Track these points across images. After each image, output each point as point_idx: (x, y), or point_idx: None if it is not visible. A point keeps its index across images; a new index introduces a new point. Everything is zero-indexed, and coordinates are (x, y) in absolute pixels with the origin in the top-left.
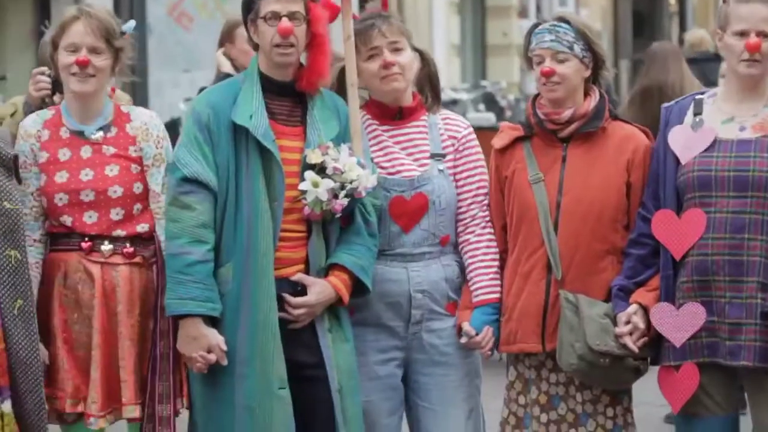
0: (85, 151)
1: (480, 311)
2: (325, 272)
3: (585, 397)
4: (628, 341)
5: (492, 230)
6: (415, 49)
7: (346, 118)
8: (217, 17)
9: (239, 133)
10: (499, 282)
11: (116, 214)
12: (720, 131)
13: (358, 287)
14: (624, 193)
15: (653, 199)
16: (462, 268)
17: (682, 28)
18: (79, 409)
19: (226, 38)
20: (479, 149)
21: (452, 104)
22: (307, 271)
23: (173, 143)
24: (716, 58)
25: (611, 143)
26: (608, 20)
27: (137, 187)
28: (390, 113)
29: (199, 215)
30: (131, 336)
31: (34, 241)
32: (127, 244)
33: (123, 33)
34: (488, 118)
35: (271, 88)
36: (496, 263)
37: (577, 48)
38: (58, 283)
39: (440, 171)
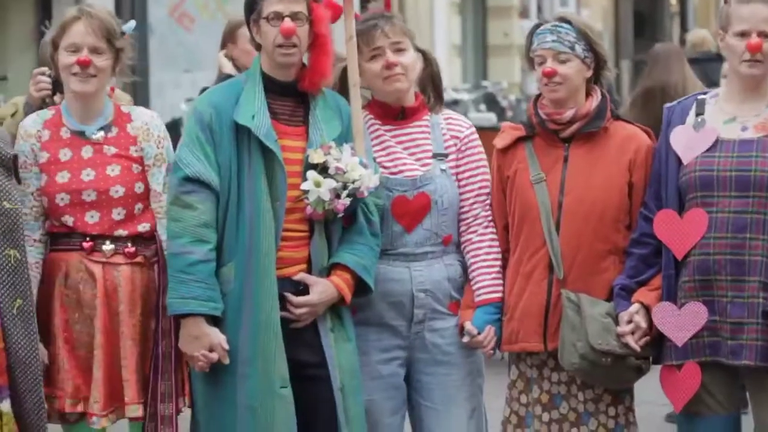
0: (86, 151)
1: (482, 311)
2: (327, 272)
3: (587, 396)
4: (630, 340)
5: (494, 230)
6: (418, 50)
7: (348, 118)
8: (218, 18)
9: (241, 133)
10: (501, 281)
11: (118, 213)
12: (722, 131)
13: (360, 287)
14: (626, 193)
15: (655, 199)
16: (464, 268)
17: (683, 28)
18: (79, 408)
19: (228, 38)
20: (482, 149)
21: (453, 104)
22: (309, 271)
23: (174, 143)
24: (718, 58)
25: (613, 143)
26: (609, 20)
27: (138, 187)
28: (392, 113)
29: (201, 215)
30: (133, 335)
31: (34, 241)
32: (129, 244)
33: (123, 33)
34: (489, 118)
35: (273, 88)
36: (499, 263)
37: (579, 48)
38: (59, 283)
39: (443, 171)
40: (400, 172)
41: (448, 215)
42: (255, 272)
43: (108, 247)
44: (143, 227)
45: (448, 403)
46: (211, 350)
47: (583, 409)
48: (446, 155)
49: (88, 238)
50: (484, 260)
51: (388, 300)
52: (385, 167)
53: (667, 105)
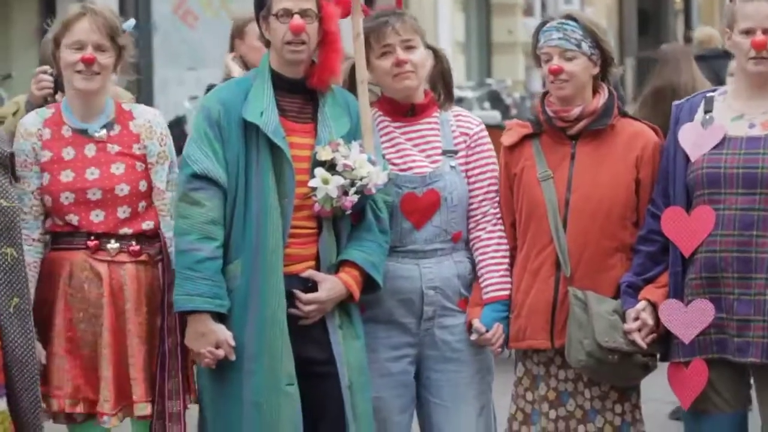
0: (89, 150)
1: (490, 308)
2: (335, 269)
3: (593, 394)
4: (637, 338)
5: (503, 227)
6: (429, 47)
7: (357, 115)
8: (222, 16)
9: (250, 129)
10: (509, 279)
11: (123, 212)
12: (729, 128)
13: (368, 284)
14: (633, 190)
15: (663, 196)
16: (474, 265)
17: (688, 26)
18: (78, 409)
19: (236, 35)
20: (491, 146)
21: (457, 102)
22: (317, 268)
23: (179, 141)
24: (725, 55)
25: (620, 140)
26: (613, 18)
27: (142, 185)
28: (402, 110)
29: (209, 212)
30: (139, 334)
31: (33, 240)
32: (133, 242)
33: (123, 31)
34: (493, 115)
35: (282, 85)
36: (507, 260)
37: (585, 45)
38: (63, 282)
39: (452, 167)
40: (410, 168)
41: (458, 212)
42: (261, 269)
43: (113, 245)
44: (147, 225)
45: (458, 401)
46: (217, 347)
47: (590, 406)
48: (456, 152)
49: (92, 237)
50: (493, 257)
51: (398, 297)
52: (394, 164)
53: (676, 102)
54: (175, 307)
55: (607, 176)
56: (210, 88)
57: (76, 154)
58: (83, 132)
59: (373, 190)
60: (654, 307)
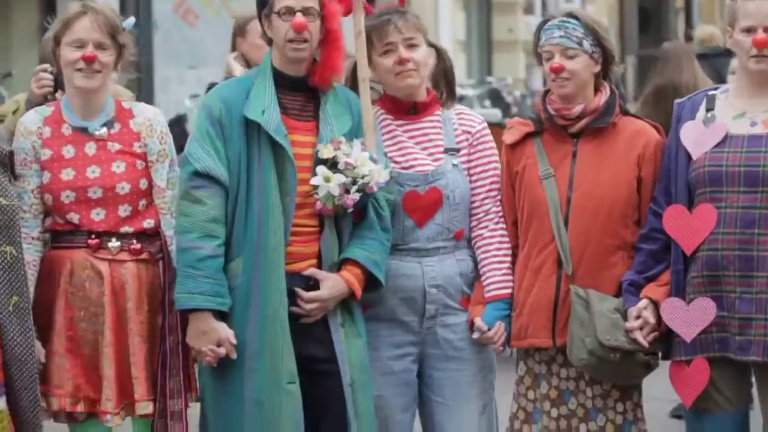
0: (90, 148)
1: (492, 306)
2: (337, 267)
3: (595, 392)
4: (639, 336)
5: (505, 225)
6: (431, 45)
7: (358, 113)
8: (222, 14)
9: (251, 128)
10: (511, 277)
11: (124, 210)
12: (731, 127)
13: (371, 282)
14: (634, 188)
15: (665, 194)
16: (476, 263)
17: (688, 24)
18: (79, 408)
19: (238, 33)
20: (493, 144)
21: (458, 100)
22: (319, 266)
23: (179, 139)
24: (727, 53)
25: (622, 138)
26: (614, 16)
27: (143, 183)
28: (404, 108)
29: (210, 210)
30: (141, 332)
31: (33, 238)
32: (134, 241)
33: (123, 29)
34: (494, 114)
35: (283, 83)
36: (509, 259)
37: (587, 44)
38: (63, 280)
39: (454, 166)
40: (412, 167)
41: (460, 210)
42: (263, 267)
43: (114, 244)
44: (148, 223)
45: (460, 399)
46: (218, 345)
47: (592, 404)
48: (458, 150)
49: (93, 236)
50: (495, 256)
51: (400, 295)
52: (396, 162)
53: (678, 101)
54: (177, 305)
55: (609, 174)
56: (211, 86)
57: (76, 152)
58: (83, 130)
59: (375, 188)
60: (656, 305)
